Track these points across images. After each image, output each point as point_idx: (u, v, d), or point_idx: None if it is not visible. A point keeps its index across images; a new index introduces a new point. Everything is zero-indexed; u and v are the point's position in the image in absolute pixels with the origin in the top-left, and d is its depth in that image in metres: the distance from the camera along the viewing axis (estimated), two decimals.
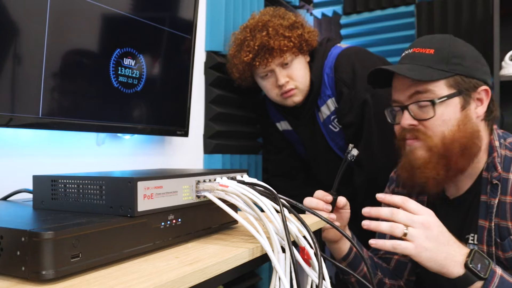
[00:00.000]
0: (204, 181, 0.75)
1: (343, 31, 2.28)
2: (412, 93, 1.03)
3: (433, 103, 1.00)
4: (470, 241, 1.03)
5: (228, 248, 0.70)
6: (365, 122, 1.44)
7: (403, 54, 1.10)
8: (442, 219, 1.07)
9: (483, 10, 1.96)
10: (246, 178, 0.83)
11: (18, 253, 0.52)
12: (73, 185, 0.68)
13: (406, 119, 1.04)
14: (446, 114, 1.00)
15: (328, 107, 1.52)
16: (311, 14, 2.40)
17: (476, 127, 1.02)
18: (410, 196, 1.15)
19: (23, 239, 0.51)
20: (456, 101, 1.01)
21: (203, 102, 1.53)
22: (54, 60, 0.92)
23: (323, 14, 2.36)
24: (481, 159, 1.04)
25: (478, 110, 1.03)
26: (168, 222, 0.69)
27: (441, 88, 1.01)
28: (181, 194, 0.71)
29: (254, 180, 0.80)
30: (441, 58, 1.02)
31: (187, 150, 1.47)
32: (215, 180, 0.77)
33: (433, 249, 0.86)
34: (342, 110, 1.47)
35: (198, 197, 0.74)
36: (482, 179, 1.03)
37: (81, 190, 0.67)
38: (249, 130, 1.74)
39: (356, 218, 1.43)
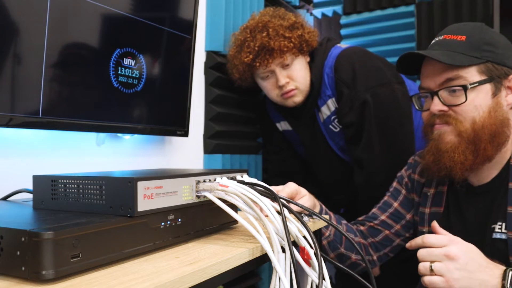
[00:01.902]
0: (204, 181, 0.75)
1: (343, 31, 2.28)
2: (443, 80, 1.03)
3: (465, 88, 1.00)
4: (497, 230, 1.00)
5: (228, 248, 0.70)
6: (365, 122, 1.44)
7: (433, 41, 1.09)
8: (464, 207, 1.07)
9: (483, 10, 1.96)
10: (246, 178, 0.83)
11: (18, 253, 0.52)
12: (73, 185, 0.68)
13: (436, 105, 1.03)
14: (477, 100, 1.00)
15: (328, 107, 1.52)
16: (311, 14, 2.39)
17: (506, 115, 1.02)
18: (428, 185, 1.15)
19: (23, 239, 0.51)
20: (488, 87, 1.01)
21: (203, 102, 1.53)
22: (54, 60, 0.92)
23: (323, 14, 2.36)
24: (509, 149, 1.03)
25: (508, 98, 1.03)
26: (168, 222, 0.69)
27: (472, 74, 1.01)
28: (181, 194, 0.71)
29: (254, 180, 0.80)
30: (473, 44, 1.02)
31: (187, 150, 1.47)
32: (215, 180, 0.77)
33: (465, 279, 0.86)
34: (342, 110, 1.47)
35: (198, 197, 0.74)
36: (510, 167, 1.02)
37: (81, 190, 0.67)
38: (249, 130, 1.74)
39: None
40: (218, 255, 0.65)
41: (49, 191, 0.71)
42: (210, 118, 1.53)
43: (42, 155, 1.02)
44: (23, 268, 0.51)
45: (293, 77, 1.47)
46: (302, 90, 1.49)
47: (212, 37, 1.53)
